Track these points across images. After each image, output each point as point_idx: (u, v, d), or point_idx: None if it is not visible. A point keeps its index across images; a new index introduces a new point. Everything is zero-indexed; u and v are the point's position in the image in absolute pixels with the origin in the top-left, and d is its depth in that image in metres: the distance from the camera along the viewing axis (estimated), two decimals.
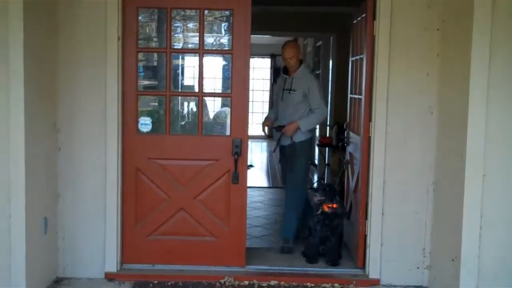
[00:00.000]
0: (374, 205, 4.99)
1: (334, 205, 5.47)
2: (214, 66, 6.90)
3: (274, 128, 6.08)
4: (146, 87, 5.83)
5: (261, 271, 5.18)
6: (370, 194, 5.02)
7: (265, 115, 7.11)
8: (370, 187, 5.02)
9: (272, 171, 11.06)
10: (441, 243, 4.75)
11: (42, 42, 4.58)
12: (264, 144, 14.80)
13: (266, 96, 16.80)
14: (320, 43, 10.92)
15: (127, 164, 5.04)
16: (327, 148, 9.21)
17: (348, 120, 6.01)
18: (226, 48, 5.61)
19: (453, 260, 4.41)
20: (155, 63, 6.09)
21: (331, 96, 9.84)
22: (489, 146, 4.25)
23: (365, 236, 5.10)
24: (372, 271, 5.03)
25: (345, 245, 5.70)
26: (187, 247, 5.15)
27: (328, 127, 9.56)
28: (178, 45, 5.88)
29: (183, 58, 6.36)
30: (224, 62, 6.60)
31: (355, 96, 5.60)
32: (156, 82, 5.92)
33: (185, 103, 6.49)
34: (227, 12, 5.33)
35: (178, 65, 6.15)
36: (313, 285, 4.97)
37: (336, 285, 4.98)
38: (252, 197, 8.16)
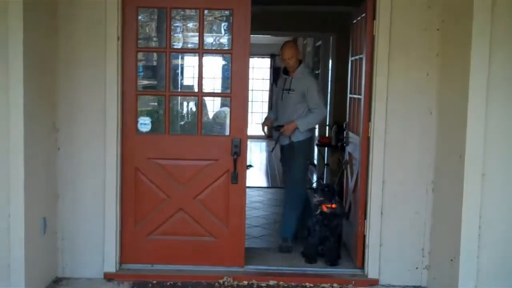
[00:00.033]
0: (373, 205, 5.00)
1: (333, 205, 5.47)
2: (214, 66, 6.90)
3: (273, 127, 6.10)
4: (146, 87, 5.83)
5: (260, 271, 5.18)
6: (369, 194, 5.02)
7: (265, 115, 7.13)
8: (369, 187, 5.02)
9: (271, 171, 11.06)
10: (440, 243, 4.75)
11: (42, 42, 4.58)
12: (263, 144, 14.79)
13: (265, 96, 16.80)
14: (319, 43, 10.92)
15: (127, 164, 5.04)
16: (326, 148, 9.21)
17: (347, 120, 6.01)
18: (226, 48, 5.61)
19: (452, 260, 4.41)
20: (154, 63, 6.09)
21: (331, 96, 9.84)
22: (489, 146, 4.25)
23: (364, 236, 5.10)
24: (371, 271, 5.03)
25: (344, 245, 5.70)
26: (186, 247, 5.15)
27: (327, 127, 9.56)
28: (178, 45, 5.88)
29: (182, 58, 6.36)
30: (223, 62, 6.60)
31: (355, 96, 5.60)
32: (155, 82, 5.92)
33: (185, 103, 6.49)
34: (226, 12, 5.32)
35: (177, 65, 6.15)
36: (312, 285, 4.97)
37: (335, 285, 4.98)
38: (251, 197, 8.17)
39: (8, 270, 4.34)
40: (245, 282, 4.96)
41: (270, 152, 11.93)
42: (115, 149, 4.92)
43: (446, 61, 4.74)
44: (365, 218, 5.09)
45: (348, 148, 5.89)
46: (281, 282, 4.98)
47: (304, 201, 5.98)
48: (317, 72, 10.77)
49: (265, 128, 6.23)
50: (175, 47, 5.65)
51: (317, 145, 9.27)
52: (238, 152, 5.00)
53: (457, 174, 4.35)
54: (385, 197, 4.97)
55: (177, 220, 5.12)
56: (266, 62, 16.75)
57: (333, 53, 9.85)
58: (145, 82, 5.93)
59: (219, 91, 7.61)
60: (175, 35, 5.77)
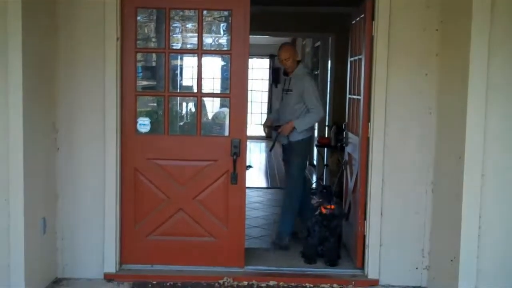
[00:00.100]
0: (373, 206, 5.00)
1: (332, 206, 5.49)
2: (213, 66, 6.89)
3: (272, 127, 6.19)
4: (145, 88, 5.82)
5: (260, 272, 5.18)
6: (369, 194, 5.02)
7: (264, 115, 7.19)
8: (368, 188, 5.03)
9: (271, 172, 11.05)
10: (440, 244, 4.75)
11: (41, 42, 4.58)
12: (262, 145, 14.80)
13: (265, 97, 16.80)
14: (318, 43, 10.92)
15: (126, 164, 5.04)
16: (325, 149, 9.21)
17: (346, 120, 6.02)
18: (225, 49, 5.61)
19: (452, 260, 4.41)
20: (153, 64, 6.08)
21: (330, 96, 9.84)
22: (488, 147, 4.25)
23: (364, 236, 5.11)
24: (371, 272, 5.03)
25: (344, 246, 5.70)
26: (186, 247, 5.15)
27: (326, 128, 9.56)
28: (177, 46, 5.88)
29: (181, 59, 6.35)
30: (222, 63, 6.60)
31: (354, 96, 5.60)
32: (154, 83, 5.92)
33: (184, 104, 6.48)
34: (226, 12, 5.32)
35: (176, 66, 6.14)
36: (311, 285, 4.97)
37: (335, 285, 4.98)
38: (251, 197, 8.16)
39: (8, 270, 4.34)
40: (245, 283, 4.96)
41: (269, 152, 11.95)
42: (114, 150, 4.92)
43: (445, 62, 4.74)
44: (364, 218, 5.10)
45: (348, 149, 5.90)
46: (281, 283, 4.98)
47: (300, 200, 6.02)
48: (316, 72, 10.77)
49: (266, 128, 6.35)
50: (174, 47, 5.66)
51: (317, 145, 9.27)
52: (237, 152, 5.00)
53: (456, 175, 4.36)
54: (385, 198, 4.97)
55: (177, 221, 5.12)
56: (265, 63, 16.75)
57: (332, 53, 9.85)
58: (144, 82, 5.92)
59: (219, 91, 7.61)
60: (174, 35, 5.77)
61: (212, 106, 7.66)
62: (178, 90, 6.13)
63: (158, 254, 5.14)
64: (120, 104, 4.94)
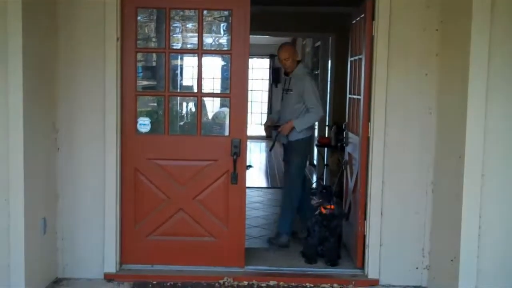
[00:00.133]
0: (373, 206, 5.00)
1: (332, 206, 5.49)
2: (213, 66, 6.89)
3: (272, 127, 6.23)
4: (145, 88, 5.82)
5: (260, 272, 5.18)
6: (369, 194, 5.02)
7: (264, 115, 7.23)
8: (369, 188, 5.03)
9: (271, 171, 11.06)
10: (440, 243, 4.75)
11: (41, 42, 4.58)
12: (263, 145, 14.80)
13: (265, 97, 16.80)
14: (319, 43, 10.92)
15: (126, 164, 5.04)
16: (326, 149, 9.21)
17: (347, 120, 6.02)
18: (225, 48, 5.60)
19: (452, 260, 4.41)
20: (154, 64, 6.08)
21: (330, 96, 9.85)
22: (488, 147, 4.25)
23: (364, 236, 5.11)
24: (371, 271, 5.03)
25: (344, 246, 5.70)
26: (186, 247, 5.15)
27: (327, 128, 9.56)
28: (177, 45, 5.88)
29: (182, 59, 6.35)
30: (223, 62, 6.60)
31: (354, 96, 5.60)
32: (155, 83, 5.91)
33: (184, 104, 6.48)
34: (226, 12, 5.32)
35: (177, 66, 6.14)
36: (312, 285, 4.97)
37: (335, 285, 4.98)
38: (251, 197, 8.16)
39: (8, 270, 4.34)
40: (245, 283, 4.96)
41: (269, 152, 11.95)
42: (114, 150, 4.92)
43: (445, 61, 4.74)
44: (365, 218, 5.10)
45: (348, 149, 5.90)
46: (281, 283, 4.98)
47: (299, 198, 6.05)
48: (316, 72, 10.77)
49: (267, 128, 6.40)
50: (174, 47, 5.65)
51: (317, 145, 9.28)
52: (237, 152, 5.00)
53: (457, 174, 4.36)
54: (385, 198, 4.97)
55: (177, 221, 5.12)
56: (265, 63, 16.76)
57: (332, 53, 9.86)
58: (145, 82, 5.92)
59: (219, 91, 7.61)
60: (174, 35, 5.77)
61: (212, 106, 7.66)
62: (178, 90, 6.13)
63: (158, 254, 5.14)
64: (120, 104, 4.94)
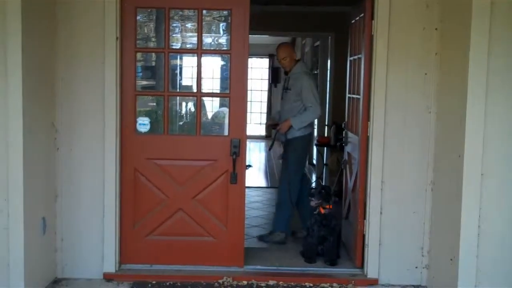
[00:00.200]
0: (372, 205, 5.00)
1: (329, 206, 5.50)
2: (213, 66, 6.90)
3: (272, 126, 6.31)
4: (144, 87, 5.82)
5: (259, 271, 5.18)
6: (369, 193, 5.02)
7: (263, 115, 7.26)
8: (368, 187, 5.03)
9: (271, 171, 11.06)
10: (440, 243, 4.76)
11: (41, 42, 4.58)
12: (262, 144, 14.79)
13: (264, 96, 16.79)
14: (318, 43, 10.92)
15: (125, 164, 5.04)
16: (325, 148, 9.21)
17: (346, 119, 6.02)
18: (225, 48, 5.60)
19: (451, 259, 4.41)
20: (153, 63, 6.08)
21: (329, 95, 9.84)
22: (488, 146, 4.25)
23: (364, 235, 5.11)
24: (371, 271, 5.04)
25: (344, 245, 5.71)
26: (186, 247, 5.15)
27: (326, 127, 9.56)
28: (177, 45, 5.88)
29: (181, 58, 6.35)
30: (222, 62, 6.60)
31: (353, 95, 5.60)
32: (154, 82, 5.91)
33: (184, 103, 6.48)
34: (225, 12, 5.32)
35: (176, 65, 6.14)
36: (311, 285, 4.97)
37: (334, 284, 4.98)
38: (251, 197, 8.17)
39: (7, 270, 4.34)
40: (245, 282, 4.96)
41: (268, 152, 11.96)
42: (114, 150, 4.92)
43: (444, 61, 4.74)
44: (364, 217, 5.10)
45: (347, 148, 5.90)
46: (280, 282, 4.98)
47: (296, 197, 6.09)
48: (315, 72, 10.77)
49: (268, 127, 6.53)
50: (173, 47, 5.65)
51: (316, 145, 9.28)
52: (237, 152, 5.00)
53: (456, 174, 4.36)
54: (384, 197, 4.97)
55: (176, 220, 5.12)
56: (264, 62, 16.74)
57: (331, 53, 9.85)
58: (144, 82, 5.92)
59: (218, 91, 7.61)
60: (174, 35, 5.76)
61: (212, 106, 7.67)
62: (178, 90, 6.13)
63: (158, 254, 5.14)
64: (119, 104, 4.94)
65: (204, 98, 5.70)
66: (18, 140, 4.27)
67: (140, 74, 5.64)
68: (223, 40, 5.83)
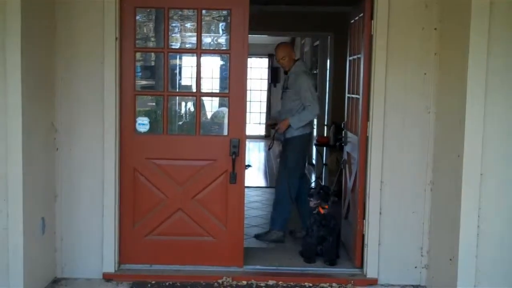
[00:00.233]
0: (371, 205, 5.00)
1: (326, 206, 5.51)
2: (212, 66, 6.90)
3: (271, 126, 6.35)
4: (144, 87, 5.82)
5: (259, 271, 5.18)
6: (368, 193, 5.02)
7: (263, 115, 7.29)
8: (367, 187, 5.03)
9: (270, 171, 11.05)
10: (439, 243, 4.76)
11: (40, 42, 4.58)
12: (261, 144, 14.79)
13: (264, 96, 16.79)
14: (317, 42, 10.92)
15: (125, 164, 5.04)
16: (324, 148, 9.21)
17: (345, 119, 6.02)
18: (224, 48, 5.61)
19: (451, 259, 4.41)
20: (152, 63, 6.08)
21: (329, 95, 9.84)
22: (487, 146, 4.25)
23: (363, 235, 5.11)
24: (370, 271, 5.04)
25: (343, 245, 5.71)
26: (185, 247, 5.15)
27: (325, 127, 9.56)
28: (176, 45, 5.88)
29: (180, 58, 6.35)
30: (221, 62, 6.61)
31: (353, 95, 5.60)
32: (153, 82, 5.91)
33: (183, 103, 6.49)
34: (224, 12, 5.32)
35: (175, 65, 6.15)
36: (311, 284, 4.97)
37: (334, 284, 4.98)
38: (250, 197, 8.16)
39: (7, 270, 4.33)
40: (244, 282, 4.96)
41: (268, 151, 11.97)
42: (113, 149, 4.91)
43: (444, 61, 4.74)
44: (363, 217, 5.10)
45: (347, 148, 5.90)
46: (280, 282, 4.98)
47: (295, 195, 6.11)
48: (315, 72, 10.77)
49: (268, 126, 6.58)
50: (173, 47, 5.65)
51: (316, 144, 9.28)
52: (236, 152, 5.00)
53: (455, 174, 4.36)
54: (384, 197, 4.97)
55: (176, 220, 5.12)
56: (264, 62, 16.74)
57: (331, 53, 9.84)
58: (143, 82, 5.93)
59: (217, 91, 7.62)
60: (173, 35, 5.76)
61: (211, 106, 7.68)
62: (177, 90, 6.14)
63: (157, 254, 5.14)
64: (119, 103, 4.94)
65: (204, 98, 5.70)
66: (18, 140, 4.27)
67: (140, 74, 5.65)
68: (222, 40, 5.84)
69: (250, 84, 12.93)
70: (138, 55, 5.33)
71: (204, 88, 5.36)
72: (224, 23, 5.64)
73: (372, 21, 4.91)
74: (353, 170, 5.51)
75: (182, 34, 5.85)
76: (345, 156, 5.96)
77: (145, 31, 5.86)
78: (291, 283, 4.97)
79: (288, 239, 6.14)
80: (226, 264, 5.15)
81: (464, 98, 4.23)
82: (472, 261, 4.29)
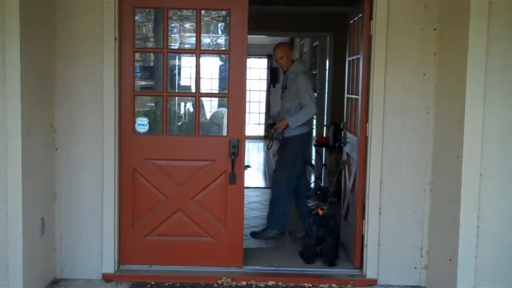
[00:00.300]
0: (371, 205, 5.00)
1: (324, 207, 5.51)
2: (211, 66, 6.90)
3: (270, 125, 6.41)
4: (143, 88, 5.82)
5: (258, 272, 5.18)
6: (367, 194, 5.02)
7: (262, 115, 7.33)
8: (367, 187, 5.03)
9: (269, 171, 11.04)
10: (438, 243, 4.76)
11: (39, 42, 4.57)
12: (261, 144, 14.79)
13: (263, 96, 16.79)
14: (316, 43, 10.92)
15: (124, 164, 5.04)
16: (324, 148, 9.21)
17: (344, 120, 6.02)
18: (223, 48, 5.61)
19: (450, 260, 4.41)
20: (152, 64, 6.08)
21: (328, 96, 9.84)
22: (486, 146, 4.25)
23: (362, 236, 5.11)
24: (370, 271, 5.04)
25: (342, 245, 5.71)
26: (185, 247, 5.15)
27: (325, 127, 9.56)
28: (175, 45, 5.87)
29: (180, 59, 6.35)
30: (221, 62, 6.61)
31: (352, 96, 5.60)
32: (153, 83, 5.91)
33: (182, 104, 6.48)
34: (224, 12, 5.32)
35: (175, 66, 6.14)
36: (310, 285, 4.97)
37: (333, 285, 4.98)
38: (249, 197, 8.16)
39: (6, 271, 4.33)
40: (244, 283, 4.96)
41: (267, 150, 11.97)
42: (112, 150, 4.91)
43: (443, 61, 4.74)
44: (363, 218, 5.10)
45: (346, 148, 5.90)
46: (279, 283, 4.98)
47: (292, 195, 6.15)
48: (314, 72, 10.77)
49: (267, 126, 6.64)
50: (172, 47, 5.63)
51: (315, 145, 9.28)
52: (236, 152, 5.00)
53: (455, 174, 4.36)
54: (383, 197, 4.97)
55: (175, 221, 5.12)
56: (263, 63, 16.74)
57: (330, 53, 9.84)
58: (143, 82, 5.92)
59: (217, 91, 7.62)
60: (172, 35, 5.76)
61: (210, 106, 7.67)
62: (176, 90, 6.13)
63: (157, 255, 5.14)
64: (118, 104, 4.93)
65: (203, 98, 5.71)
66: (17, 140, 4.26)
67: (139, 74, 5.64)
68: (221, 40, 5.83)
69: (249, 85, 12.97)
70: (137, 55, 5.33)
71: (203, 89, 5.36)
72: (223, 24, 5.64)
73: (371, 21, 4.92)
74: (352, 170, 5.51)
75: (181, 35, 5.85)
76: (344, 157, 5.96)
77: (144, 31, 5.85)
78: (291, 284, 4.97)
79: (287, 239, 6.14)
80: (225, 264, 5.15)
81: (463, 98, 4.23)
82: (471, 261, 4.29)
